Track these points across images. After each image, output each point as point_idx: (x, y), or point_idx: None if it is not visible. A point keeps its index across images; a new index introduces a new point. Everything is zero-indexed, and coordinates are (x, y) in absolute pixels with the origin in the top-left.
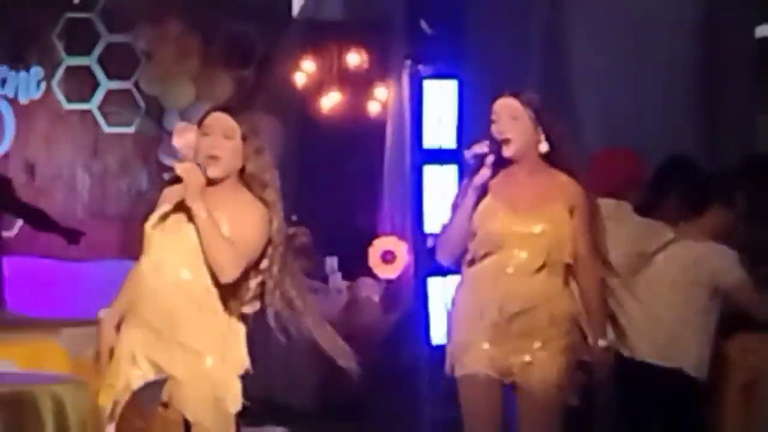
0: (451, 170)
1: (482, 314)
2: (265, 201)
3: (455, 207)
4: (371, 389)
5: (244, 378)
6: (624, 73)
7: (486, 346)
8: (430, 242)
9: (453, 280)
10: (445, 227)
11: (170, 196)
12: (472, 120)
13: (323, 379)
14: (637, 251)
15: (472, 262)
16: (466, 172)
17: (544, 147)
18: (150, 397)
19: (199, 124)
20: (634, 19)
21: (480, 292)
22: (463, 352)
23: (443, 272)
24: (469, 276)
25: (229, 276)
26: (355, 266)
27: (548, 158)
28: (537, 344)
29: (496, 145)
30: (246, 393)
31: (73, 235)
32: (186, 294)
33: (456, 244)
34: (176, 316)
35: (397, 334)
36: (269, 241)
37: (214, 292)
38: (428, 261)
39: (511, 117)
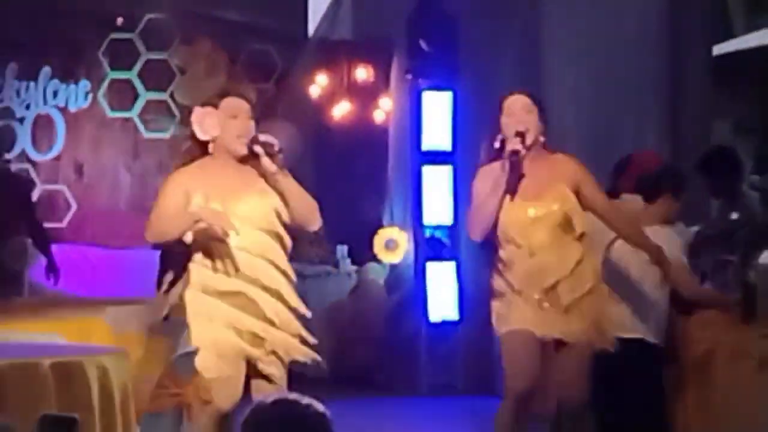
0: (446, 170)
1: (520, 291)
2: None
3: (479, 193)
4: (377, 359)
5: None
6: (596, 82)
7: (525, 309)
8: (428, 233)
9: (448, 265)
10: (477, 208)
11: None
12: (465, 126)
13: (335, 351)
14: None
15: (500, 244)
16: (498, 163)
17: (543, 138)
18: (184, 366)
19: (213, 105)
20: (606, 37)
21: (513, 272)
22: (505, 313)
23: (439, 258)
24: (502, 255)
25: (317, 223)
26: (363, 253)
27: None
28: (573, 303)
29: (521, 137)
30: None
31: (53, 267)
32: (270, 252)
33: (488, 223)
34: (267, 272)
35: (399, 312)
36: None
37: (282, 254)
38: (426, 248)
39: (526, 111)
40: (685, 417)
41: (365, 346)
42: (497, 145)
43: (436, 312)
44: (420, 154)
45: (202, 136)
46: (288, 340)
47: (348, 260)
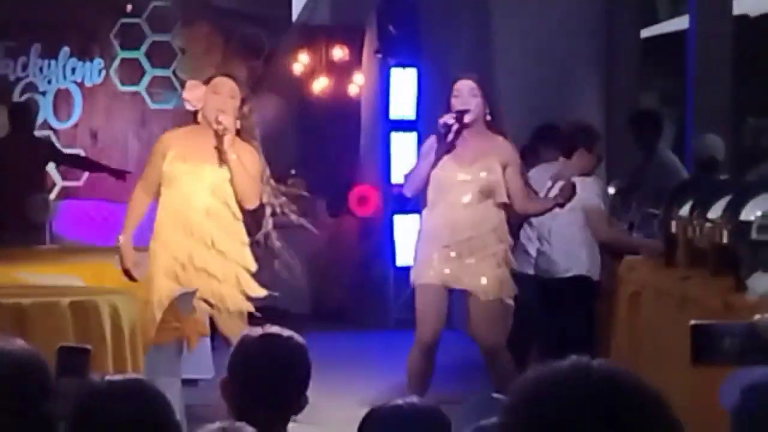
0: (411, 136)
1: (437, 240)
2: (255, 148)
3: (420, 157)
4: (351, 298)
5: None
6: (538, 61)
7: (439, 263)
8: (396, 189)
9: (412, 217)
10: (411, 172)
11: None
12: (427, 98)
13: (315, 291)
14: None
15: (428, 204)
16: (434, 136)
17: (488, 117)
18: (185, 304)
19: (206, 83)
20: (548, 19)
21: (435, 226)
22: (422, 268)
23: (405, 211)
24: (427, 214)
25: (253, 203)
26: (339, 207)
27: (489, 125)
28: (481, 258)
29: (459, 115)
30: (255, 301)
31: (119, 173)
32: (215, 219)
33: (419, 184)
34: (212, 236)
35: (370, 257)
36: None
37: (239, 219)
38: (393, 203)
39: (471, 94)
40: (616, 347)
41: (341, 287)
42: (451, 120)
43: (402, 258)
44: (388, 123)
45: (188, 106)
46: (232, 293)
47: (326, 213)
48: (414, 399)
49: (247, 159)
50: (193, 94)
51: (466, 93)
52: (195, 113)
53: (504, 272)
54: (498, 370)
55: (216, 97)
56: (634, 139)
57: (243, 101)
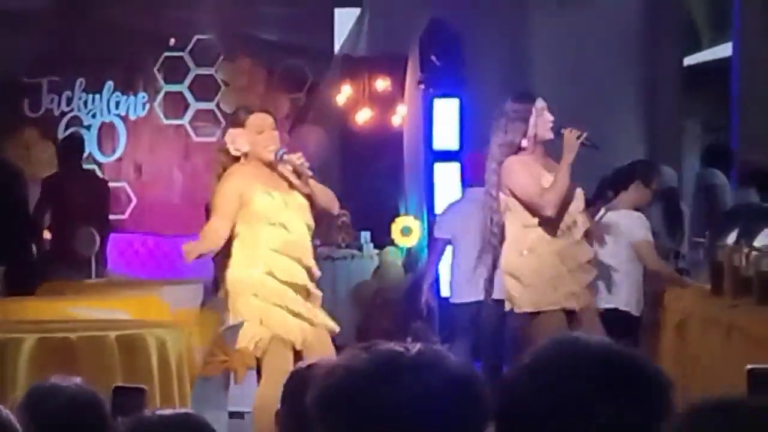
0: (454, 166)
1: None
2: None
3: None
4: (396, 329)
5: None
6: (578, 92)
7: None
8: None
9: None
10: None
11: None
12: (470, 128)
13: (360, 323)
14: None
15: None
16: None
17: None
18: (231, 337)
19: (241, 124)
20: (587, 50)
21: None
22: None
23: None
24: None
25: (336, 208)
26: (383, 238)
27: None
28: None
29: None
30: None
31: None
32: (308, 241)
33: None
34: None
35: (415, 289)
36: None
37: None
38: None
39: (550, 112)
40: None
41: (386, 318)
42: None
43: (445, 288)
44: (432, 153)
45: (235, 152)
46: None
47: (371, 244)
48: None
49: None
50: (239, 141)
51: (546, 112)
52: (234, 156)
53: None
54: None
55: (262, 136)
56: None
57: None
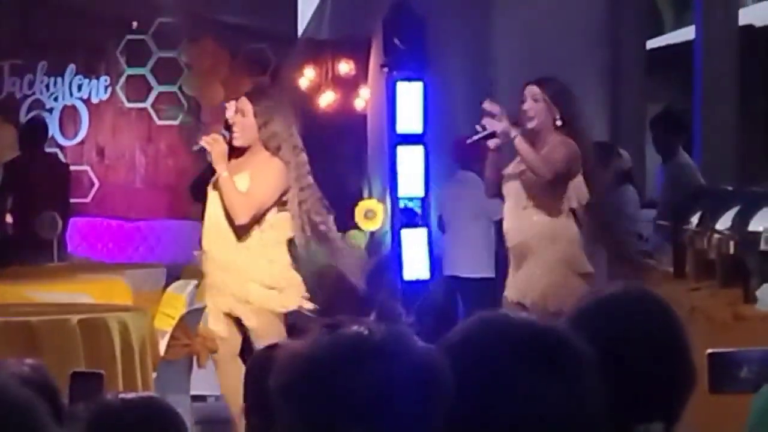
0: (418, 149)
1: None
2: (282, 159)
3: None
4: (360, 312)
5: None
6: (543, 74)
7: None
8: (402, 203)
9: (420, 231)
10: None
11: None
12: (434, 111)
13: (324, 305)
14: None
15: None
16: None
17: (557, 122)
18: (193, 321)
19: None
20: (551, 34)
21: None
22: None
23: (412, 225)
24: None
25: (240, 220)
26: (346, 222)
27: (563, 130)
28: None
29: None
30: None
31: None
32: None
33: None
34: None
35: (378, 271)
36: (289, 186)
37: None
38: (401, 217)
39: (533, 99)
40: None
41: (350, 301)
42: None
43: (410, 272)
44: (395, 136)
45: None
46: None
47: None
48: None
49: (263, 172)
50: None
51: (529, 99)
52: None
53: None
54: None
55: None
56: (653, 140)
57: (257, 114)
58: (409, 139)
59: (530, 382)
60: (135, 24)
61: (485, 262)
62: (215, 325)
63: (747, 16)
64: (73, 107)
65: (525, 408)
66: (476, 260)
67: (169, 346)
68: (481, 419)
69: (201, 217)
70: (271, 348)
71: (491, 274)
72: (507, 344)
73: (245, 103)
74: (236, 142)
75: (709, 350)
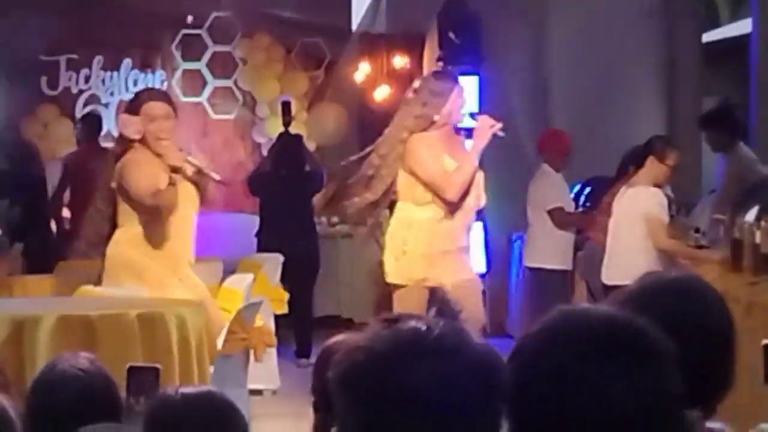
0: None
1: None
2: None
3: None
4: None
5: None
6: (597, 69)
7: None
8: None
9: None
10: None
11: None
12: (489, 105)
13: (379, 299)
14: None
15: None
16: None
17: None
18: (250, 315)
19: (135, 111)
20: (607, 29)
21: None
22: None
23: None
24: None
25: None
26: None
27: None
28: None
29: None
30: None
31: None
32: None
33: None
34: None
35: None
36: None
37: None
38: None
39: None
40: None
41: None
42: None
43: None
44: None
45: (129, 137)
46: None
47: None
48: None
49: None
50: (131, 128)
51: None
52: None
53: None
54: None
55: (153, 124)
56: (707, 138)
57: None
58: (466, 133)
59: (610, 374)
60: (190, 18)
61: (563, 254)
62: None
63: None
64: None
65: (606, 401)
66: (555, 252)
67: (226, 340)
68: (560, 412)
69: (256, 211)
70: (339, 342)
71: (569, 266)
72: (588, 337)
73: (166, 107)
74: (163, 150)
75: (765, 341)
